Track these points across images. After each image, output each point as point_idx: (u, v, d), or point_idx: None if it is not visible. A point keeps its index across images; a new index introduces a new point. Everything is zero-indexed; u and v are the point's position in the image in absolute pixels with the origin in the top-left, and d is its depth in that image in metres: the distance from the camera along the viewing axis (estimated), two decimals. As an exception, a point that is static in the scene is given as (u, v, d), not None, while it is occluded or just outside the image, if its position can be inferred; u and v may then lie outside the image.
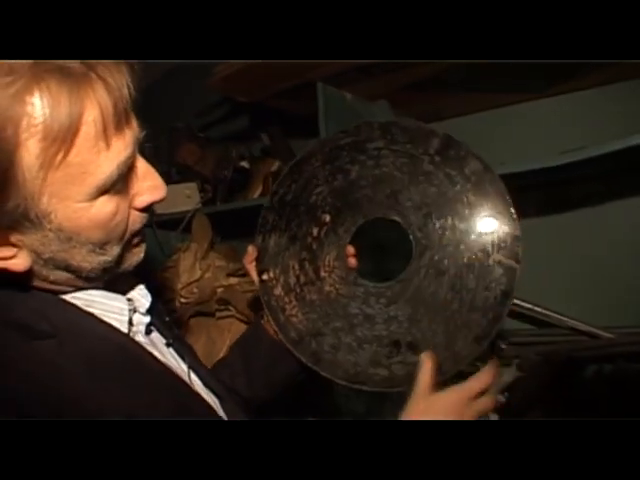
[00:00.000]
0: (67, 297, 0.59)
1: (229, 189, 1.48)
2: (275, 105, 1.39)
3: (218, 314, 1.31)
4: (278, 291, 0.83)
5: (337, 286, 0.83)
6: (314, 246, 0.84)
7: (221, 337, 1.30)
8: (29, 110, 0.45)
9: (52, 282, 0.57)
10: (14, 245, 0.51)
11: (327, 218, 0.84)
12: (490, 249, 0.74)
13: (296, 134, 1.58)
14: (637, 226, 1.19)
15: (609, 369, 1.11)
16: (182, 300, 1.35)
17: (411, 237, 0.79)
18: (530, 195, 1.30)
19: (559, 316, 1.17)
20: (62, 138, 0.46)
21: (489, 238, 0.74)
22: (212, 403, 0.69)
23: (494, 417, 0.88)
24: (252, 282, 1.32)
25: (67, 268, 0.55)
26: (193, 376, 0.71)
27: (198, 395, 0.66)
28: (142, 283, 0.68)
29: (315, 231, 0.84)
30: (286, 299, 0.83)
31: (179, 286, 1.36)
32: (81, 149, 0.48)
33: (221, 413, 0.70)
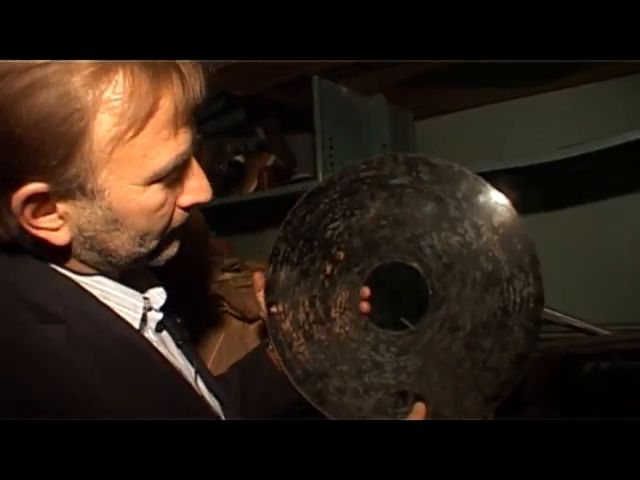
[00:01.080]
0: (85, 285, 0.59)
1: (224, 183, 1.46)
2: (271, 98, 1.38)
3: (212, 310, 1.29)
4: (286, 326, 0.80)
5: (347, 329, 0.80)
6: (326, 284, 0.80)
7: (214, 332, 1.28)
8: (111, 86, 0.48)
9: (81, 261, 0.57)
10: (60, 217, 0.53)
11: (342, 256, 0.79)
12: (511, 309, 0.71)
13: (292, 128, 1.57)
14: (635, 222, 1.18)
15: (606, 366, 1.10)
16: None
17: (429, 287, 0.75)
18: (527, 191, 1.29)
19: (556, 313, 1.16)
20: (135, 118, 0.48)
21: (511, 297, 0.71)
22: (214, 407, 0.69)
23: (490, 416, 0.87)
24: (247, 277, 1.33)
25: (102, 251, 0.56)
26: (199, 379, 0.70)
27: (202, 398, 0.66)
28: (159, 280, 0.69)
29: (328, 269, 0.80)
30: (294, 335, 0.80)
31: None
32: (149, 133, 0.50)
33: (222, 417, 0.70)
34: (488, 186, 0.71)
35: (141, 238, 0.56)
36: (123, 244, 0.55)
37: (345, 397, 0.77)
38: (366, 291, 0.80)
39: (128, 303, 0.62)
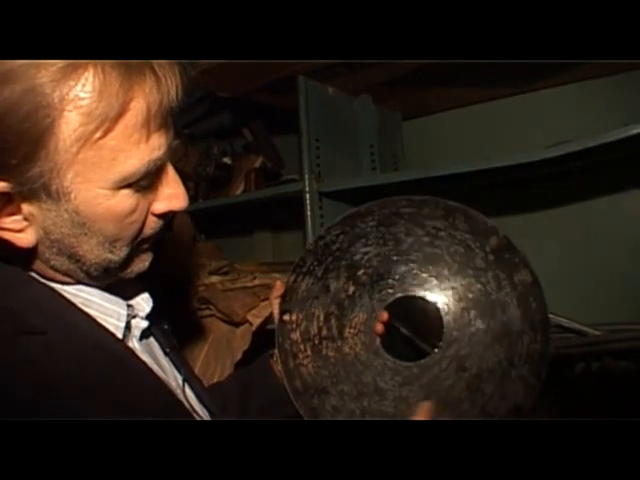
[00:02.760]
0: (65, 293, 0.57)
1: (211, 186, 1.45)
2: (258, 100, 1.37)
3: (199, 313, 1.28)
4: (296, 336, 0.81)
5: (357, 350, 0.81)
6: (346, 303, 0.82)
7: (203, 337, 1.27)
8: (80, 84, 0.46)
9: (51, 267, 0.55)
10: (25, 219, 0.51)
11: (367, 280, 0.82)
12: (517, 361, 0.73)
13: (280, 129, 1.56)
14: (626, 222, 1.17)
15: (597, 367, 1.10)
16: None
17: (444, 325, 0.78)
18: (517, 190, 1.29)
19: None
20: (104, 118, 0.47)
21: (519, 350, 0.74)
22: (204, 417, 0.68)
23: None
24: (234, 280, 1.31)
25: (71, 256, 0.54)
26: (187, 389, 0.68)
27: (186, 408, 0.64)
28: (145, 288, 0.67)
29: (351, 289, 0.82)
30: (301, 346, 0.80)
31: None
32: (119, 135, 0.48)
33: None
34: (514, 245, 0.75)
35: (111, 244, 0.54)
36: (92, 249, 0.53)
37: (340, 416, 0.78)
38: (384, 315, 0.81)
39: (111, 311, 0.60)
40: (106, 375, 0.55)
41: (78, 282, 0.58)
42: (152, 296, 0.67)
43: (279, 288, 0.82)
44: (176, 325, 1.27)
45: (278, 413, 0.83)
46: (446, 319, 0.78)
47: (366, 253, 0.81)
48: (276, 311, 0.82)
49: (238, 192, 1.46)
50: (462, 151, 1.35)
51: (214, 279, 1.32)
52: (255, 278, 1.29)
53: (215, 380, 1.21)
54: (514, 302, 0.74)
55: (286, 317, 0.81)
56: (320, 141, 1.22)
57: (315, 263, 0.81)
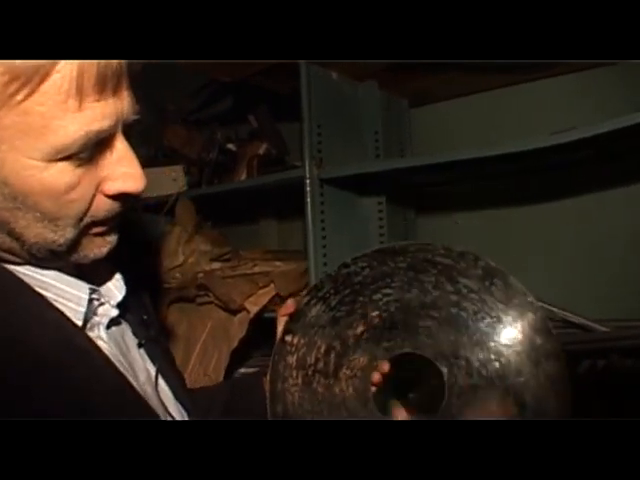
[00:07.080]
0: (19, 274, 0.54)
1: (214, 172, 1.44)
2: (262, 85, 1.35)
3: (199, 300, 1.27)
4: (291, 360, 0.77)
5: (347, 395, 0.76)
6: (350, 342, 0.76)
7: (201, 323, 1.27)
8: None
9: None
10: None
11: (379, 324, 0.76)
12: None
13: (286, 116, 1.54)
14: (634, 214, 1.13)
15: (603, 365, 1.06)
16: (164, 285, 1.31)
17: (445, 398, 0.71)
18: (525, 181, 1.25)
19: (552, 308, 1.11)
20: (25, 78, 0.42)
21: None
22: (175, 412, 0.66)
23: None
24: (234, 268, 1.30)
25: (10, 233, 0.50)
26: (162, 383, 0.66)
27: (145, 404, 0.60)
28: (118, 272, 0.63)
29: (360, 329, 0.76)
30: (294, 373, 0.77)
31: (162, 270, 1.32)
32: (47, 99, 0.44)
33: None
34: (551, 331, 0.67)
35: (51, 222, 0.49)
36: (29, 226, 0.49)
37: None
38: (385, 367, 0.74)
39: (69, 295, 0.56)
40: (57, 364, 0.52)
41: (29, 263, 0.54)
42: (135, 285, 0.64)
43: (290, 306, 0.78)
44: (176, 311, 1.27)
45: None
46: (448, 393, 0.71)
47: (386, 295, 0.75)
48: (280, 328, 0.78)
49: (242, 179, 1.44)
50: (473, 140, 1.31)
51: (215, 266, 1.31)
52: (255, 265, 1.28)
53: (211, 367, 1.21)
54: (530, 393, 0.66)
55: (288, 338, 0.77)
56: (322, 127, 1.19)
57: (332, 291, 0.76)
